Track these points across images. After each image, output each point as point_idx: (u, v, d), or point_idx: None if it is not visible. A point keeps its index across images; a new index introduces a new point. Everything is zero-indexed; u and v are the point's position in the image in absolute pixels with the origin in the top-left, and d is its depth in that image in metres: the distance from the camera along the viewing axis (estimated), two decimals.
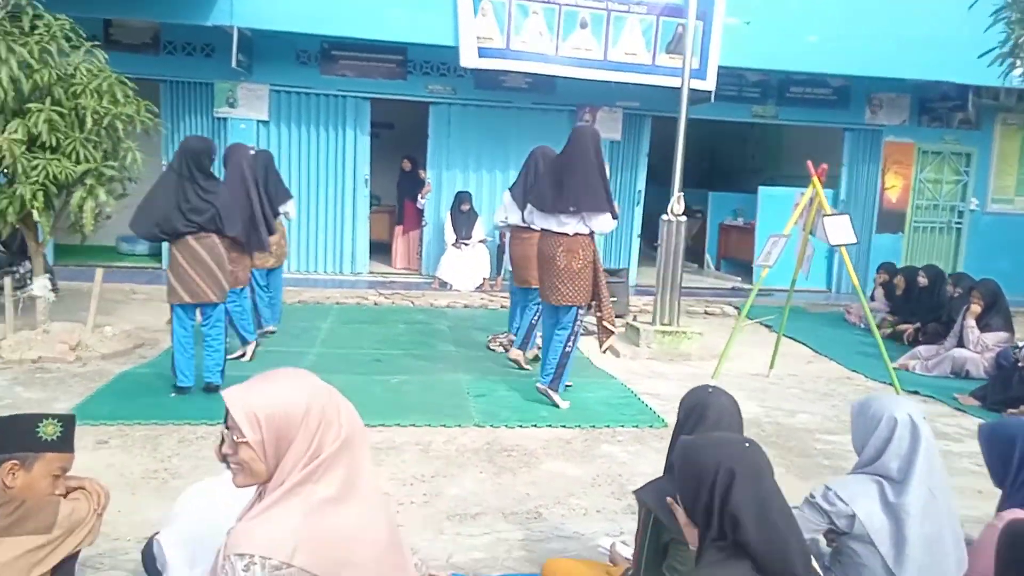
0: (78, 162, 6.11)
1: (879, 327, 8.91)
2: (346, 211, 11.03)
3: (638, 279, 11.81)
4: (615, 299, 9.08)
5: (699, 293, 11.34)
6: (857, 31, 10.12)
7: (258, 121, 10.72)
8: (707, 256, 13.69)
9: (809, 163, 6.38)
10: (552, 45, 10.01)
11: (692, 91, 10.53)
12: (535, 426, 5.21)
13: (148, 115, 6.76)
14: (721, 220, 13.54)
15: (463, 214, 10.66)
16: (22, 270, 7.46)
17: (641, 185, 11.77)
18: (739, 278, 12.67)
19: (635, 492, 2.86)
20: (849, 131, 12.05)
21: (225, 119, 10.64)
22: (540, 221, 5.65)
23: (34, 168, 5.88)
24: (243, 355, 6.50)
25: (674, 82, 10.21)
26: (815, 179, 6.29)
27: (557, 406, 5.59)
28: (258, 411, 1.88)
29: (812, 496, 2.76)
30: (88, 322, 6.62)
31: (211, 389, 5.47)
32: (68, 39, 6.29)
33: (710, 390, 2.90)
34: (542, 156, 6.54)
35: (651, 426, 5.36)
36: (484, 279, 10.75)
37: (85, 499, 2.60)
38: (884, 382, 6.94)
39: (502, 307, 9.54)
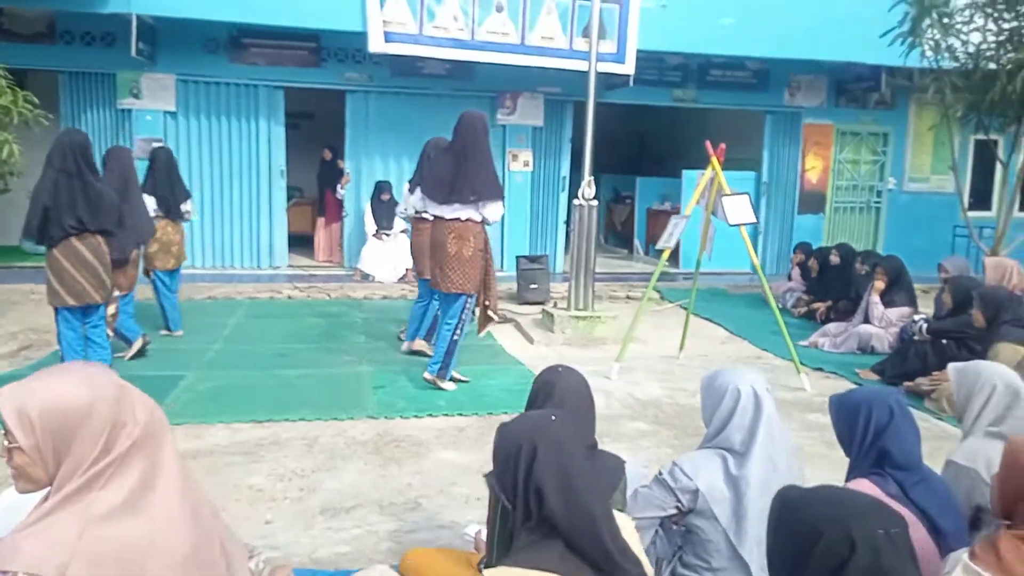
0: None
1: (795, 306, 9.04)
2: (262, 204, 10.74)
3: (565, 266, 11.74)
4: (535, 286, 9.08)
5: (627, 278, 11.33)
6: (773, 13, 10.18)
7: (165, 112, 10.36)
8: (636, 241, 13.70)
9: (707, 143, 6.36)
10: (467, 30, 9.86)
11: (610, 75, 10.62)
12: (431, 415, 5.09)
13: (27, 106, 6.43)
14: (649, 205, 13.56)
15: (383, 204, 10.47)
16: None
17: (565, 171, 11.69)
18: (667, 263, 12.67)
19: (485, 475, 2.77)
20: (770, 114, 12.15)
21: (130, 111, 10.27)
22: (433, 209, 5.52)
23: None
24: (127, 355, 6.24)
25: (603, 68, 10.24)
26: (714, 159, 6.27)
27: (443, 391, 5.51)
28: (31, 411, 1.68)
29: (660, 473, 2.69)
30: None
31: None
32: None
33: (559, 370, 2.82)
34: (434, 147, 6.40)
35: None
36: (407, 270, 10.57)
37: None
38: (788, 359, 7.00)
39: None
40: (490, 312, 5.66)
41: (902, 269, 7.30)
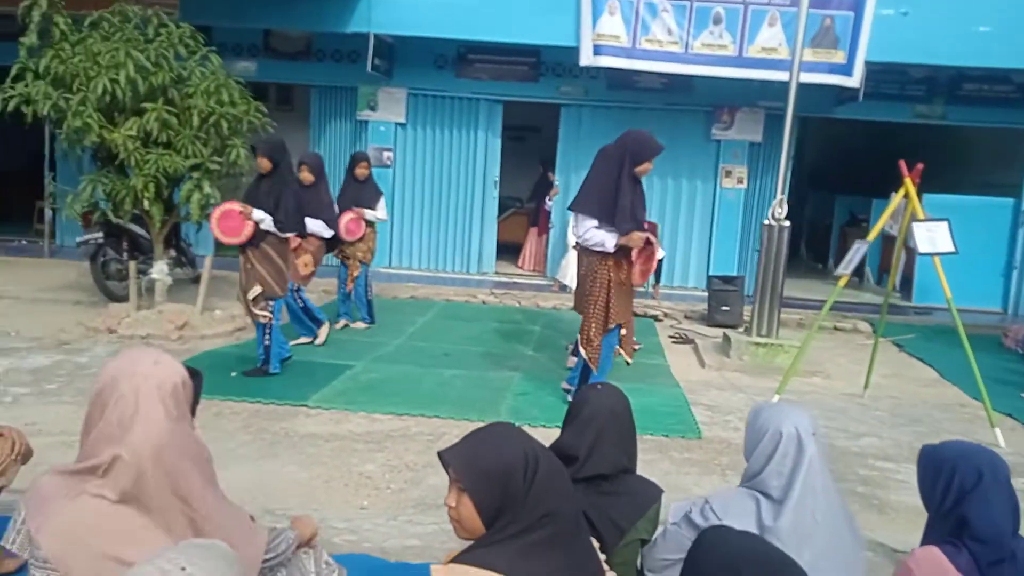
0: (187, 157, 6.70)
1: None
2: (475, 212, 11.26)
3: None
4: (727, 308, 8.69)
5: (846, 308, 10.45)
6: None
7: (396, 123, 11.21)
8: (867, 269, 12.61)
9: (902, 163, 5.71)
10: (682, 43, 9.69)
11: (841, 89, 9.91)
12: (558, 426, 5.05)
13: (257, 115, 7.28)
14: (885, 231, 12.39)
15: None
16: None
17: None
18: (898, 294, 11.56)
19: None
20: None
21: (366, 122, 11.22)
22: None
23: (146, 162, 6.52)
24: (318, 339, 6.84)
25: (817, 79, 9.64)
26: (907, 181, 5.62)
27: None
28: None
29: (690, 511, 2.50)
30: (197, 304, 7.23)
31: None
32: (187, 45, 6.91)
33: (599, 388, 2.72)
34: None
35: (683, 436, 5.04)
36: None
37: (1, 444, 2.87)
38: (1005, 413, 6.12)
39: None
40: (581, 347, 5.33)
41: None
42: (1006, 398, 6.50)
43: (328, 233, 6.96)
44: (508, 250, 12.03)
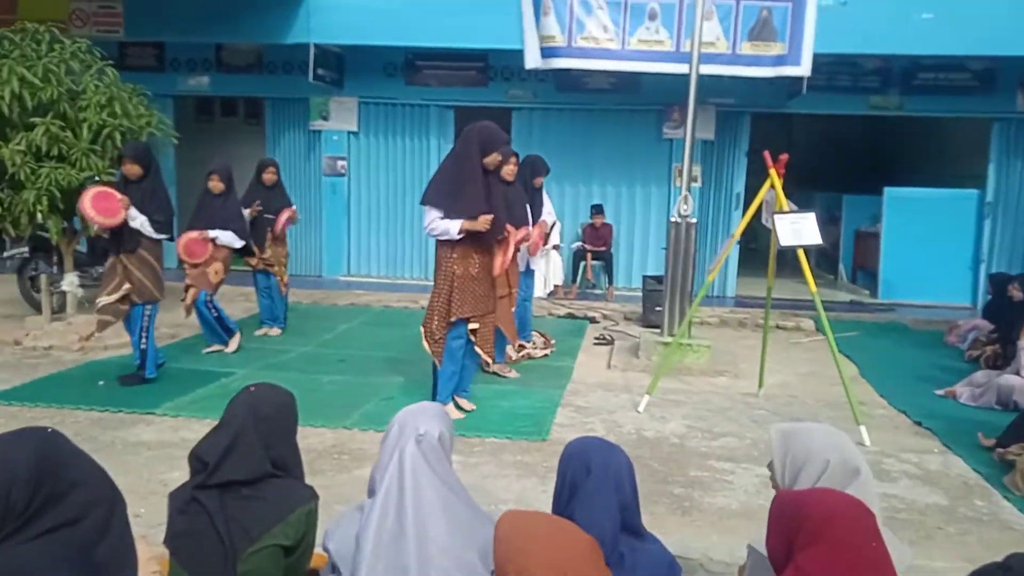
0: (81, 170, 6.76)
1: (971, 348, 7.57)
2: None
3: (737, 289, 10.84)
4: (660, 308, 8.46)
5: (807, 307, 10.14)
6: (979, 5, 8.63)
7: (349, 132, 11.23)
8: (841, 267, 12.26)
9: (766, 153, 5.51)
10: (619, 40, 9.53)
11: (792, 81, 9.67)
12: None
13: (160, 126, 7.33)
14: (857, 226, 12.06)
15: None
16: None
17: (739, 187, 10.81)
18: (867, 291, 11.22)
19: None
20: (998, 121, 10.24)
21: (319, 132, 11.26)
22: None
23: (38, 176, 6.59)
24: (229, 347, 6.86)
25: (758, 72, 9.43)
26: (772, 172, 5.41)
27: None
28: None
29: None
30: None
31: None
32: (81, 60, 6.98)
33: (251, 388, 2.50)
34: None
35: (528, 438, 4.90)
36: (557, 286, 10.43)
37: None
38: (900, 409, 5.88)
39: (566, 316, 9.31)
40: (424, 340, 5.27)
41: None
42: (916, 395, 6.24)
43: (239, 244, 6.97)
44: None
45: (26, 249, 7.92)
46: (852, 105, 10.46)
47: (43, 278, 7.42)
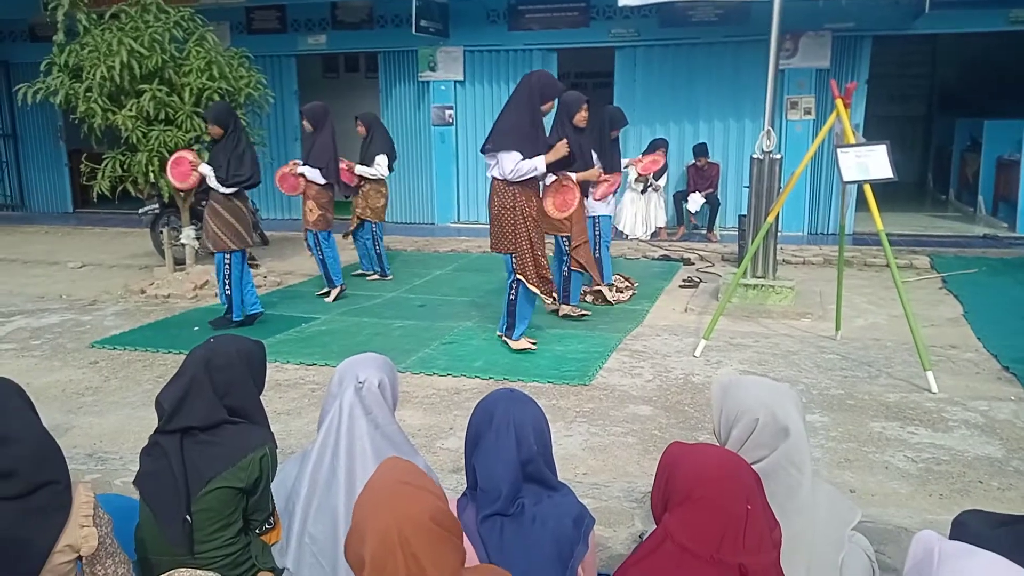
0: (187, 132, 7.33)
1: None
2: None
3: (855, 226, 10.23)
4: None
5: (931, 243, 9.49)
6: None
7: (455, 81, 11.41)
8: (980, 199, 11.28)
9: (832, 82, 5.15)
10: None
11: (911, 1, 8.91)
12: (451, 375, 5.17)
13: (259, 87, 7.78)
14: (1001, 154, 11.01)
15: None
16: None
17: (859, 118, 10.11)
18: (1006, 225, 10.29)
19: None
20: None
21: (428, 82, 11.52)
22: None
23: (148, 138, 7.21)
24: (331, 295, 7.28)
25: None
26: (839, 103, 5.05)
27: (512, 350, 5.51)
28: None
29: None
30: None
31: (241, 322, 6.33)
32: (183, 27, 7.50)
33: (211, 341, 2.66)
34: None
35: (569, 383, 4.97)
36: (660, 228, 10.28)
37: None
38: (992, 353, 5.47)
39: (660, 258, 9.20)
40: (533, 281, 5.41)
41: None
42: (1019, 337, 5.77)
43: (320, 180, 7.18)
44: None
45: (156, 205, 8.66)
46: (988, 21, 9.49)
47: (165, 231, 8.14)
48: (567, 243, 6.44)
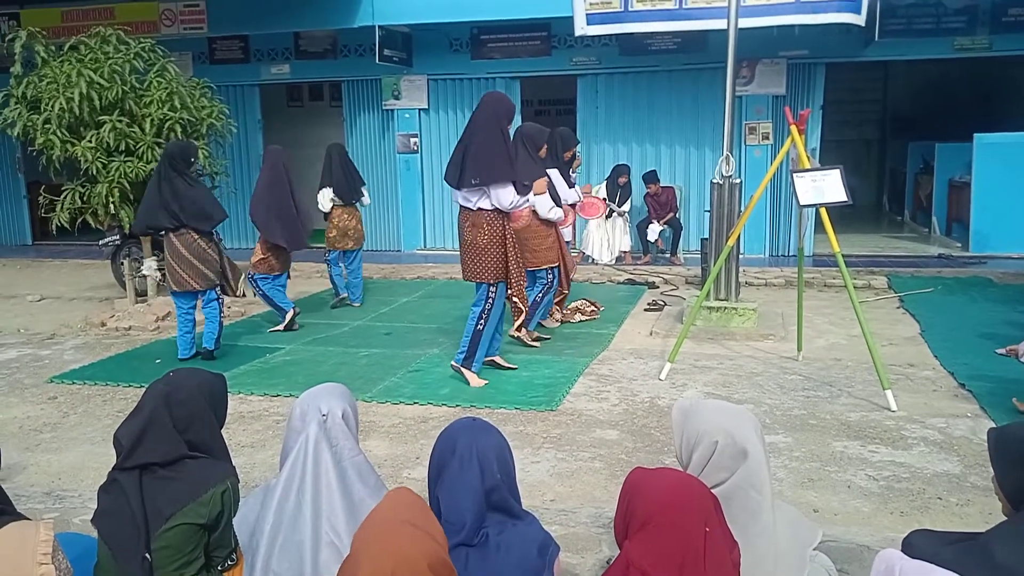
0: (148, 162, 7.28)
1: None
2: None
3: (815, 247, 10.42)
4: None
5: (887, 264, 9.68)
6: None
7: (419, 109, 11.48)
8: (934, 219, 11.56)
9: (787, 109, 5.30)
10: (675, 0, 9.27)
11: (849, 27, 9.15)
12: (417, 403, 5.16)
13: (221, 116, 7.76)
14: (951, 176, 11.31)
15: (619, 187, 10.31)
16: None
17: (814, 143, 10.34)
18: (959, 244, 10.56)
19: None
20: None
21: (392, 111, 11.57)
22: (456, 197, 5.51)
23: (108, 170, 7.15)
24: (280, 327, 7.21)
25: (825, 19, 8.95)
26: (793, 128, 5.19)
27: (468, 383, 5.43)
28: None
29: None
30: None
31: (206, 355, 6.24)
32: (144, 59, 7.47)
33: (171, 374, 2.64)
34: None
35: (536, 409, 4.98)
36: (625, 252, 10.38)
37: None
38: (949, 371, 5.59)
39: (625, 282, 9.30)
40: (516, 300, 5.48)
41: None
42: (974, 355, 5.90)
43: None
44: None
45: (117, 237, 8.56)
46: (934, 48, 9.81)
47: (126, 262, 8.04)
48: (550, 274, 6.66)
